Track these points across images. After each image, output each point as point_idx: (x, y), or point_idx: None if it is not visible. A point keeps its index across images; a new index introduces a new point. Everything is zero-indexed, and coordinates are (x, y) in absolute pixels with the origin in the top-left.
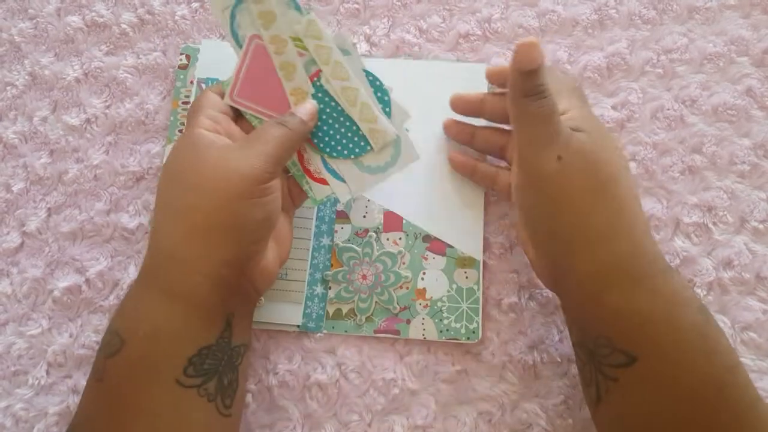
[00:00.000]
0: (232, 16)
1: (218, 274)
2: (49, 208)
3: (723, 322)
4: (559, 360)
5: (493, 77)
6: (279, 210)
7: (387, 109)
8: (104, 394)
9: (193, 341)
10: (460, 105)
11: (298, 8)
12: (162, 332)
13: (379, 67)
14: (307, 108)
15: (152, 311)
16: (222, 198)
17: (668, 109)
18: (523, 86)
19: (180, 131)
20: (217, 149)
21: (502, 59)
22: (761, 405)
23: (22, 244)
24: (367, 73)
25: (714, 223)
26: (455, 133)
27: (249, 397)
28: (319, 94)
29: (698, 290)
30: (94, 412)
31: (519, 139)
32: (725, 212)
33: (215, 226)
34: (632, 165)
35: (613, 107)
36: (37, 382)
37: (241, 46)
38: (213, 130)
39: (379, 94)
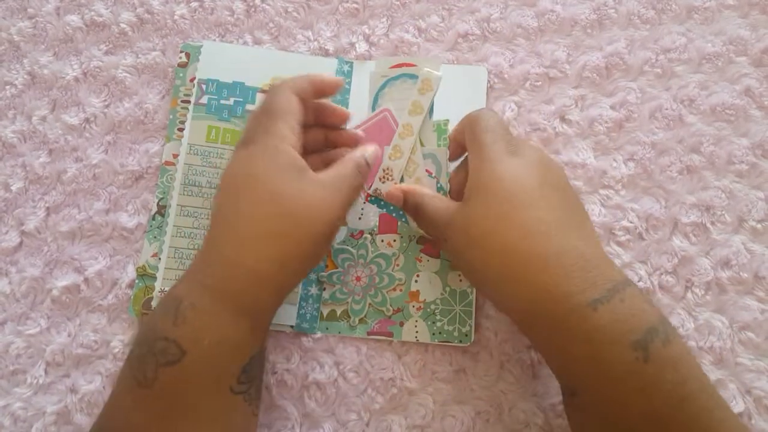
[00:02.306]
0: (383, 86)
1: (283, 294)
2: (47, 208)
3: (721, 321)
4: None
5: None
6: None
7: None
8: (156, 401)
9: (248, 351)
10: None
11: (436, 129)
12: (226, 344)
13: (363, 67)
14: (372, 152)
15: (220, 325)
16: (314, 235)
17: (667, 109)
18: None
19: (179, 129)
20: (311, 182)
21: (501, 59)
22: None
23: (20, 244)
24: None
25: (712, 223)
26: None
27: None
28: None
29: (696, 290)
30: (142, 418)
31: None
32: (723, 212)
33: (300, 256)
34: (630, 165)
35: (612, 107)
36: (35, 382)
37: (373, 109)
38: (293, 145)
39: None
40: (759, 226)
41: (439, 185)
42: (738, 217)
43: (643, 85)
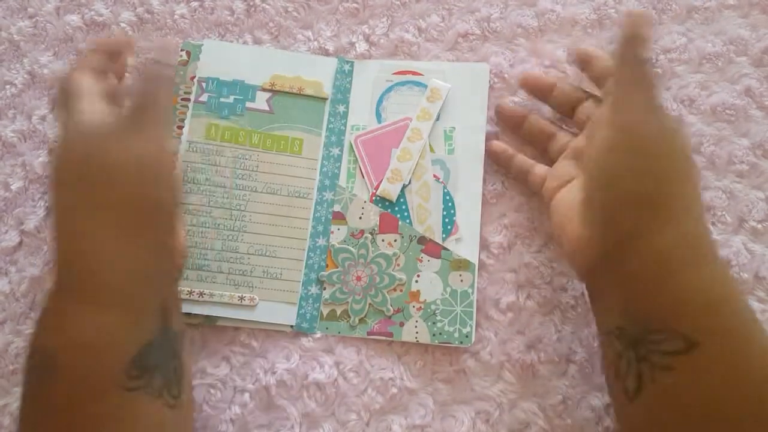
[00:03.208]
0: (389, 89)
1: (146, 266)
2: (47, 207)
3: None
4: (557, 359)
5: (529, 86)
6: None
7: (449, 226)
8: (44, 415)
9: (132, 343)
10: (530, 83)
11: (444, 136)
12: (97, 344)
13: (378, 67)
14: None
15: (82, 327)
16: (140, 186)
17: (667, 109)
18: (636, 51)
19: (178, 127)
20: (115, 133)
21: (501, 58)
22: None
23: (20, 243)
24: (445, 201)
25: (712, 223)
26: (533, 84)
27: (247, 397)
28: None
29: None
30: None
31: (620, 101)
32: (724, 212)
33: (138, 218)
34: None
35: None
36: None
37: (378, 111)
38: (100, 113)
39: (446, 220)
40: (759, 226)
41: (445, 190)
42: (738, 218)
43: None
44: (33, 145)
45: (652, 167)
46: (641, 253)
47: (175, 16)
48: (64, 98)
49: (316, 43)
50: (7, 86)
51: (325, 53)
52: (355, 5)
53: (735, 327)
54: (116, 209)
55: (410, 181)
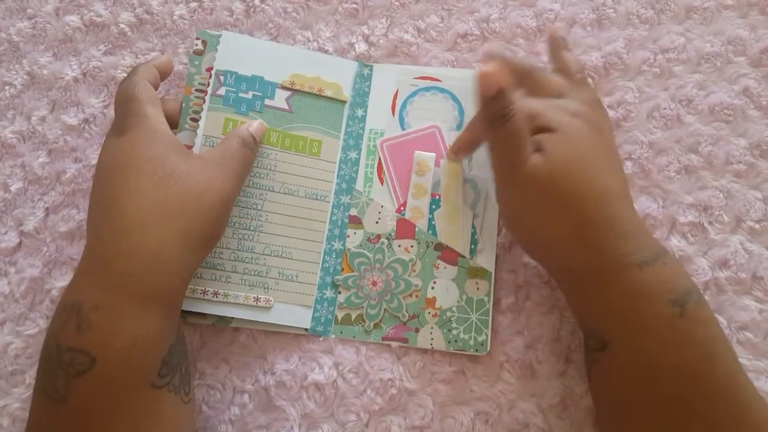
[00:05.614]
0: (413, 94)
1: (189, 276)
2: (47, 208)
3: (719, 322)
4: (556, 359)
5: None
6: None
7: (473, 246)
8: (72, 414)
9: (165, 341)
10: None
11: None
12: (140, 341)
13: (398, 72)
14: (256, 126)
15: (130, 321)
16: (210, 212)
17: (665, 109)
18: (487, 112)
19: (192, 119)
20: (197, 160)
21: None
22: (743, 392)
23: (19, 244)
24: (474, 227)
25: (710, 223)
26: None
27: (246, 397)
28: (432, 206)
29: None
30: None
31: (491, 157)
32: (721, 212)
33: (200, 234)
34: (628, 164)
35: (610, 106)
36: (34, 382)
37: (401, 114)
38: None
39: (472, 246)
40: (757, 226)
41: (473, 220)
42: (736, 217)
43: (641, 85)
44: (32, 146)
45: (519, 218)
46: (556, 270)
47: (174, 17)
48: (125, 97)
49: (315, 43)
50: (7, 87)
51: (325, 54)
52: (354, 6)
53: (639, 333)
54: (194, 223)
55: (440, 201)
